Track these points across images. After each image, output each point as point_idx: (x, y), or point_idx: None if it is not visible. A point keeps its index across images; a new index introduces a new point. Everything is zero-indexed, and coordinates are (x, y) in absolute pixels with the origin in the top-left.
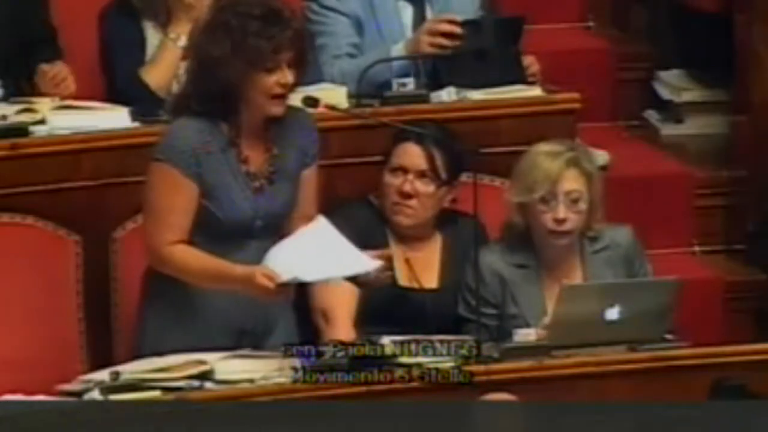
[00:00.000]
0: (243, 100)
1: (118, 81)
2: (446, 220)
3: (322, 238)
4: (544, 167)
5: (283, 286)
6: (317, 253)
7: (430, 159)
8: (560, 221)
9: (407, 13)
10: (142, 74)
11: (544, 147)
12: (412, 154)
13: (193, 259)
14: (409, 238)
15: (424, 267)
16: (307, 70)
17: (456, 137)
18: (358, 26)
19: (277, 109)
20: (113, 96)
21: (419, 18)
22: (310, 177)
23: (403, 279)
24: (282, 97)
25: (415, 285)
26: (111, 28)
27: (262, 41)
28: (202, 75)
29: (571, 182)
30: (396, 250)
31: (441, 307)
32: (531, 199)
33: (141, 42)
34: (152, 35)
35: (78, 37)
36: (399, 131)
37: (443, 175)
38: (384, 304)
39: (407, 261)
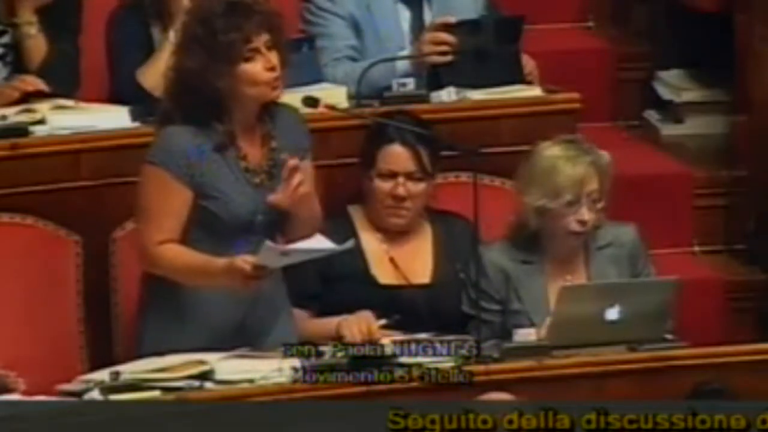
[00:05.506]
0: (233, 98)
1: (117, 84)
2: (434, 213)
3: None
4: (568, 172)
5: (261, 269)
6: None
7: (417, 158)
8: (584, 222)
9: (405, 15)
10: (138, 76)
11: (557, 150)
12: (400, 157)
13: (180, 257)
14: (394, 234)
15: (412, 261)
16: (303, 65)
17: (427, 124)
18: (356, 28)
19: (274, 93)
20: (114, 98)
21: (417, 20)
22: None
23: (388, 277)
24: (274, 80)
25: (403, 282)
26: (120, 31)
27: (232, 34)
28: (187, 89)
29: (593, 183)
30: (378, 251)
31: (434, 301)
32: (557, 204)
33: (148, 46)
34: (159, 39)
35: (84, 39)
36: (377, 132)
37: (430, 169)
38: (373, 306)
39: (392, 260)
